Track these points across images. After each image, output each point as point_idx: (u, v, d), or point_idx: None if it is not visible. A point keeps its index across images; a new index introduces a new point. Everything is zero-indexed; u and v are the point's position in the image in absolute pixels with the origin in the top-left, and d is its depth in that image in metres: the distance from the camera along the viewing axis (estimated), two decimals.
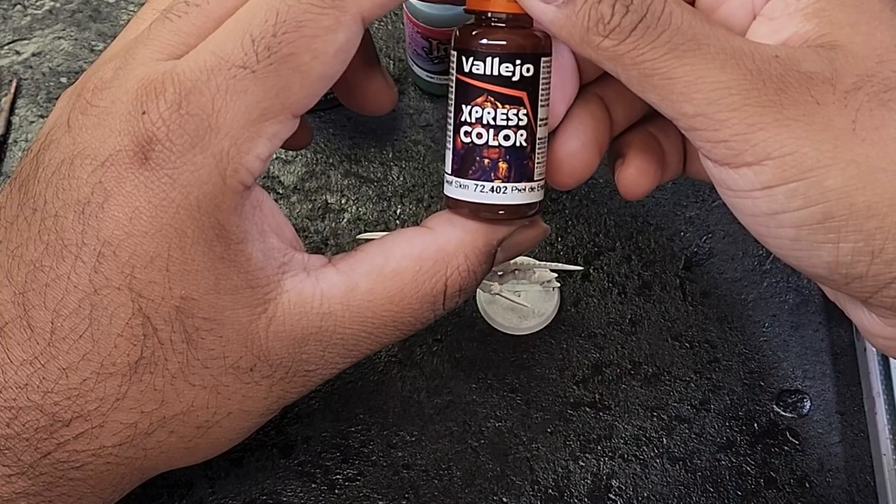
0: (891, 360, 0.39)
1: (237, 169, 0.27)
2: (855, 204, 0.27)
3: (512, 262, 0.39)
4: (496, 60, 0.28)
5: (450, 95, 0.29)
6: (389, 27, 0.48)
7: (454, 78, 0.29)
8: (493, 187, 0.29)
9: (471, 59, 0.29)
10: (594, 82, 0.32)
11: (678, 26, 0.27)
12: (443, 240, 0.30)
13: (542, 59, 0.29)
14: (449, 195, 0.30)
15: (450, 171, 0.30)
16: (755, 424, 0.40)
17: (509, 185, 0.29)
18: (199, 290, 0.28)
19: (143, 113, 0.27)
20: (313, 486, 0.39)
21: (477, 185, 0.29)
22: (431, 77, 0.45)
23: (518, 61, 0.28)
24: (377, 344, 0.31)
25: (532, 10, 0.28)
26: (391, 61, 0.48)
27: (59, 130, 0.29)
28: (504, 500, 0.39)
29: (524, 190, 0.29)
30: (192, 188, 0.27)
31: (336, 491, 0.39)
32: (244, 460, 0.39)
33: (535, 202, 0.30)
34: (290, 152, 0.45)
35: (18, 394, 0.28)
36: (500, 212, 0.29)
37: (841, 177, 0.27)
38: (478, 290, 0.41)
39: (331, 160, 0.45)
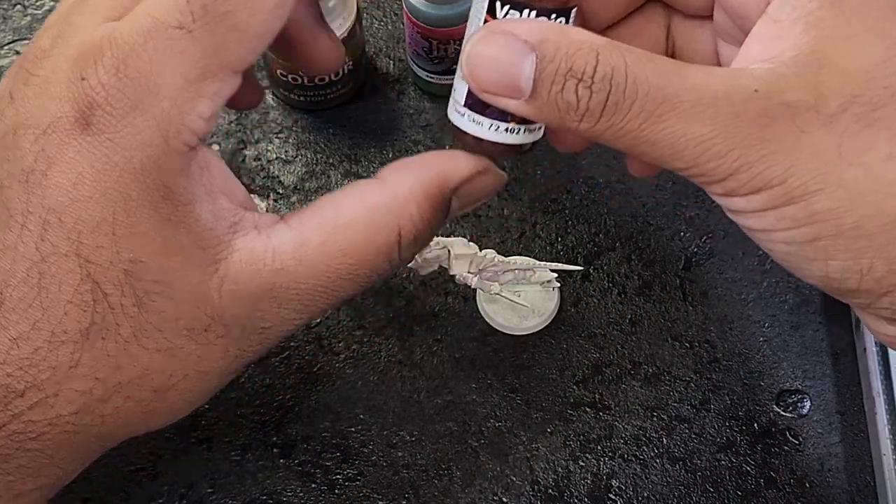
0: (891, 360, 0.39)
1: (179, 130, 0.28)
2: (843, 225, 0.27)
3: (512, 261, 0.39)
4: (533, 14, 0.29)
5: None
6: (389, 27, 0.48)
7: (483, 19, 0.30)
8: (507, 128, 0.30)
9: (506, 6, 0.29)
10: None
11: (646, 92, 0.27)
12: (395, 189, 0.30)
13: (572, 10, 0.30)
14: (458, 125, 0.30)
15: (462, 103, 0.30)
16: (755, 424, 0.40)
17: (523, 126, 0.30)
18: (147, 253, 0.28)
19: (83, 79, 0.27)
20: (313, 485, 0.39)
21: (493, 123, 0.30)
22: (431, 77, 0.45)
23: (553, 15, 0.29)
24: (334, 297, 0.30)
25: (504, 106, 0.29)
26: (391, 61, 0.48)
27: (3, 102, 0.29)
28: (504, 499, 0.39)
29: (534, 131, 0.30)
30: (134, 151, 0.27)
31: (336, 491, 0.39)
32: (244, 460, 0.39)
33: (537, 140, 0.31)
34: (291, 153, 0.45)
35: None
36: (506, 149, 0.30)
37: (828, 200, 0.27)
38: (478, 290, 0.41)
39: (331, 160, 0.45)
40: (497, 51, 0.28)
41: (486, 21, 0.30)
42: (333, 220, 0.30)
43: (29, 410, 0.29)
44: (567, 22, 0.32)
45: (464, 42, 0.30)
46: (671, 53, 0.34)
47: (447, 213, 0.31)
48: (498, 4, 0.30)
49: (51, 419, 0.29)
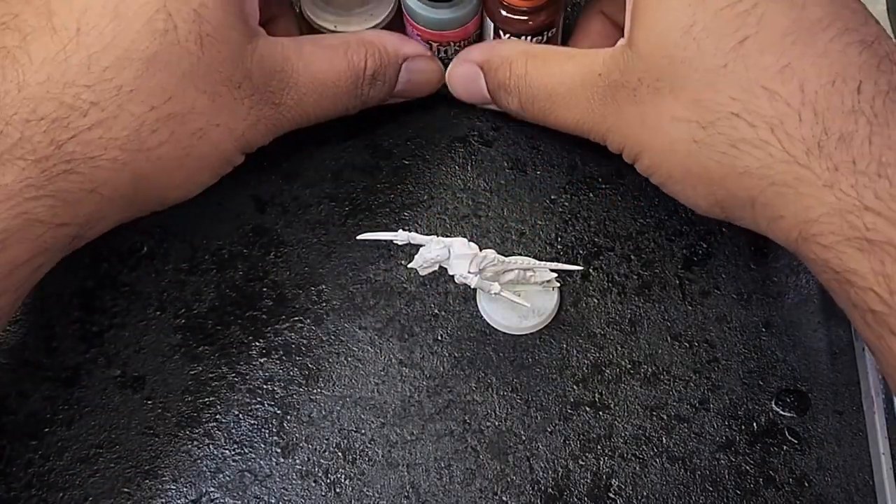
0: None
1: None
2: (663, 175, 0.37)
3: (512, 261, 0.39)
4: (509, 36, 0.43)
5: None
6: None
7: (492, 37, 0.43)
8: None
9: (500, 32, 0.42)
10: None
11: (539, 93, 0.39)
12: (366, 36, 0.41)
13: (546, 32, 0.42)
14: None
15: None
16: (754, 424, 0.40)
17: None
18: (212, 2, 0.34)
19: None
20: (314, 484, 0.39)
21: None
22: None
23: (529, 37, 0.42)
24: (318, 103, 0.39)
25: (481, 105, 0.45)
26: None
27: None
28: (504, 499, 0.39)
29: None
30: None
31: (337, 490, 0.39)
32: (245, 459, 0.39)
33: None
34: (292, 153, 0.45)
35: (38, 89, 0.32)
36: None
37: (647, 159, 0.37)
38: (478, 290, 0.41)
39: (331, 160, 0.45)
40: (463, 71, 0.42)
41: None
42: (320, 41, 0.40)
43: (88, 131, 0.33)
44: (543, 40, 0.42)
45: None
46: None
47: (397, 75, 0.42)
48: (494, 30, 0.42)
49: (106, 141, 0.33)
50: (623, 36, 0.37)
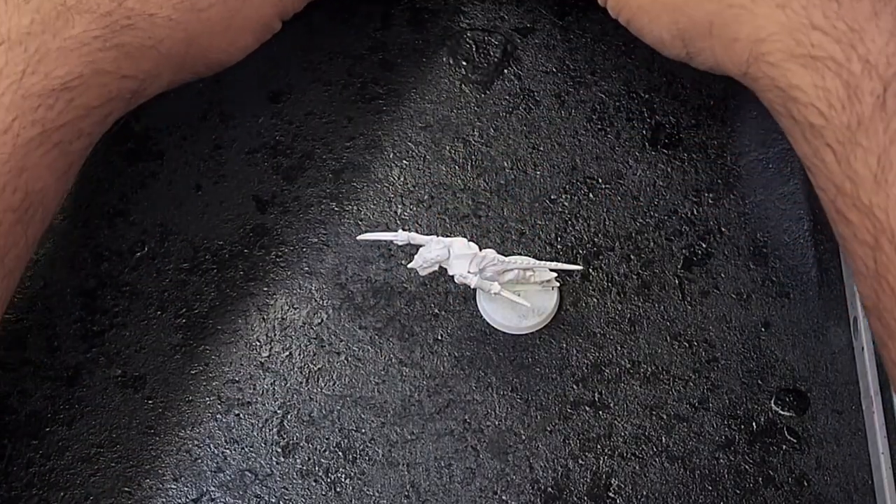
0: None
1: None
2: (632, 8, 0.39)
3: (512, 261, 0.39)
4: None
5: None
6: (390, 28, 0.48)
7: None
8: None
9: None
10: None
11: None
12: None
13: None
14: None
15: None
16: (753, 423, 0.40)
17: None
18: None
19: None
20: (314, 484, 0.39)
21: None
22: None
23: None
24: None
25: None
26: (392, 62, 0.48)
27: None
28: (504, 498, 0.39)
29: None
30: None
31: (337, 489, 0.39)
32: (245, 459, 0.39)
33: None
34: (292, 153, 0.45)
35: None
36: None
37: None
38: (478, 290, 0.41)
39: (332, 160, 0.45)
40: None
41: None
42: None
43: None
44: None
45: None
46: None
47: None
48: None
49: (162, 0, 0.37)
50: None
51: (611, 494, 0.39)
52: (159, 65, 0.38)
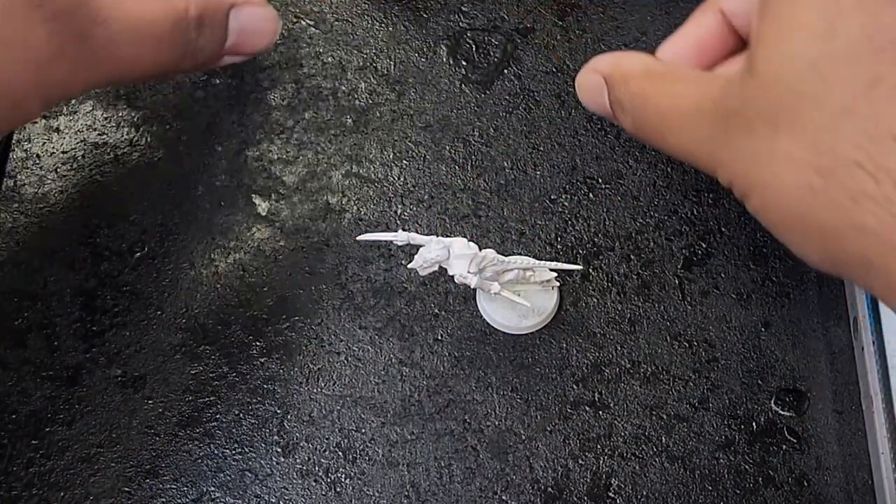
0: (888, 359, 0.39)
1: None
2: (773, 221, 0.33)
3: (512, 261, 0.39)
4: None
5: None
6: (390, 28, 0.48)
7: None
8: None
9: None
10: None
11: (654, 115, 0.35)
12: None
13: None
14: None
15: None
16: (753, 423, 0.40)
17: None
18: None
19: None
20: (314, 484, 0.39)
21: None
22: None
23: None
24: (134, 49, 0.35)
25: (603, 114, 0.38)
26: (392, 62, 0.48)
27: None
28: (504, 498, 0.39)
29: None
30: None
31: (337, 490, 0.39)
32: (245, 459, 0.39)
33: None
34: (293, 153, 0.45)
35: None
36: None
37: (757, 199, 0.32)
38: (478, 290, 0.41)
39: (332, 160, 0.45)
40: (588, 81, 0.37)
41: None
42: None
43: None
44: None
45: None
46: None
47: (226, 25, 0.38)
48: None
49: None
50: (742, 51, 0.34)
51: (611, 494, 0.39)
52: None
